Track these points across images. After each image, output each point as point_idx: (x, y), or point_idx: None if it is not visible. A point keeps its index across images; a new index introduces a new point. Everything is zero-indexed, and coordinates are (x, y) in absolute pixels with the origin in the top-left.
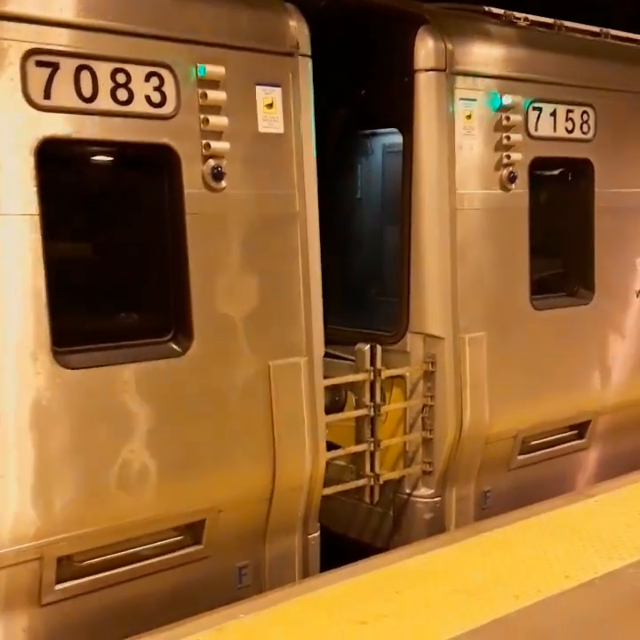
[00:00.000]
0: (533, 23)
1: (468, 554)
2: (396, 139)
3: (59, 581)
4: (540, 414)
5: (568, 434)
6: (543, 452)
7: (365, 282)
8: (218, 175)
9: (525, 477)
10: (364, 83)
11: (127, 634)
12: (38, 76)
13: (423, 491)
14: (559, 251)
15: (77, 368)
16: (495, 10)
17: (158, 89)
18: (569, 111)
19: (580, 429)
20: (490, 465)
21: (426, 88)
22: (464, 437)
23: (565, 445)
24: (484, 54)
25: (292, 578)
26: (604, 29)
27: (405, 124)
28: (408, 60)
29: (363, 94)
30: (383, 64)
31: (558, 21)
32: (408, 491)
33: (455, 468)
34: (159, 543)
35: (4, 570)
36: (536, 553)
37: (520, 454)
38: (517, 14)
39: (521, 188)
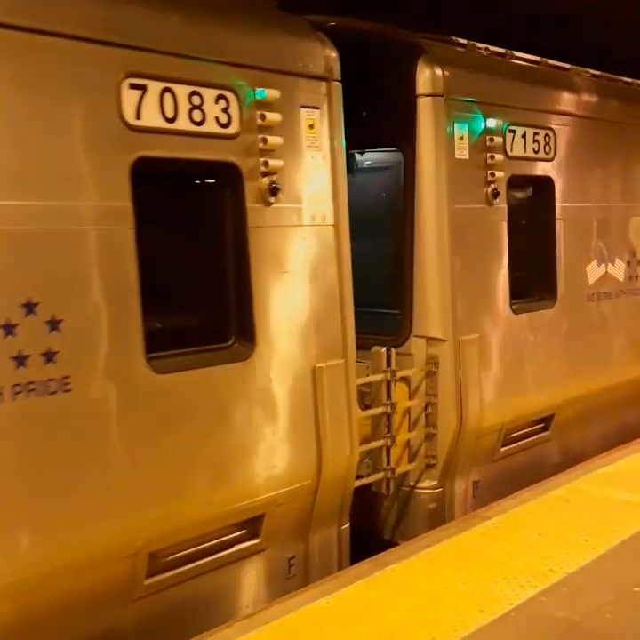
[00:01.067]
0: (492, 53)
1: (376, 591)
2: (369, 156)
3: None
4: (520, 408)
5: (536, 427)
6: (520, 443)
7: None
8: (274, 191)
9: (506, 467)
10: (365, 105)
11: (199, 627)
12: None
13: (427, 482)
14: (527, 260)
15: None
16: (461, 40)
17: (225, 111)
18: (535, 134)
19: (546, 422)
20: (479, 457)
21: (426, 112)
22: (463, 432)
23: (536, 437)
24: (473, 82)
25: (332, 566)
26: (543, 59)
27: (407, 143)
28: (410, 86)
29: (363, 116)
30: (384, 88)
31: (509, 51)
32: (412, 483)
33: (455, 460)
34: (224, 538)
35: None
36: (446, 586)
37: (502, 446)
38: (479, 45)
39: (502, 203)
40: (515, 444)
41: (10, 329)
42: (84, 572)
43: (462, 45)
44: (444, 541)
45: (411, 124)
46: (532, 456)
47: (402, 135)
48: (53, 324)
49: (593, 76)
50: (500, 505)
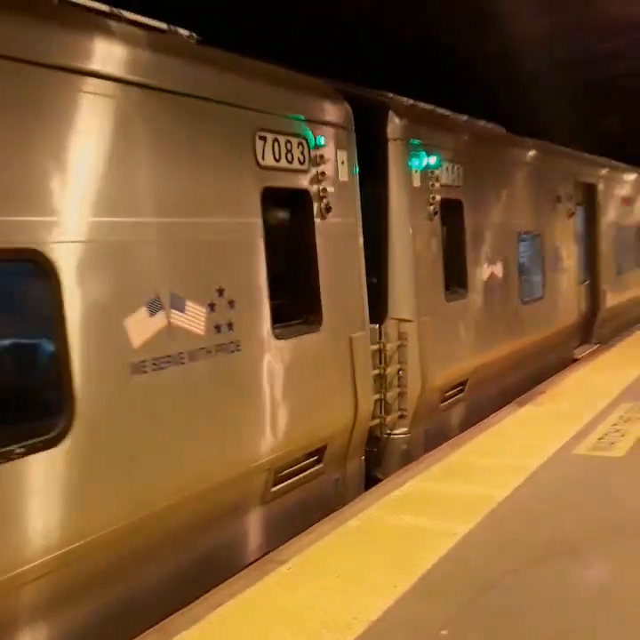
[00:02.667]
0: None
1: None
2: None
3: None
4: (452, 372)
5: (457, 388)
6: (450, 400)
7: None
8: (328, 209)
9: (442, 419)
10: None
11: (297, 526)
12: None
13: (400, 429)
14: (449, 262)
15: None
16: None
17: (302, 153)
18: (451, 167)
19: (463, 385)
20: (430, 410)
21: (393, 152)
22: (425, 390)
23: (458, 396)
24: (422, 130)
25: (360, 487)
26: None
27: (380, 175)
28: (382, 132)
29: None
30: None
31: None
32: (388, 431)
33: (418, 412)
34: (306, 462)
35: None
36: None
37: (441, 402)
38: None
39: (437, 220)
40: (447, 402)
41: (212, 307)
42: (245, 479)
43: (409, 103)
44: (237, 596)
45: (384, 160)
46: (456, 410)
47: (375, 169)
48: (231, 304)
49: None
50: (296, 544)
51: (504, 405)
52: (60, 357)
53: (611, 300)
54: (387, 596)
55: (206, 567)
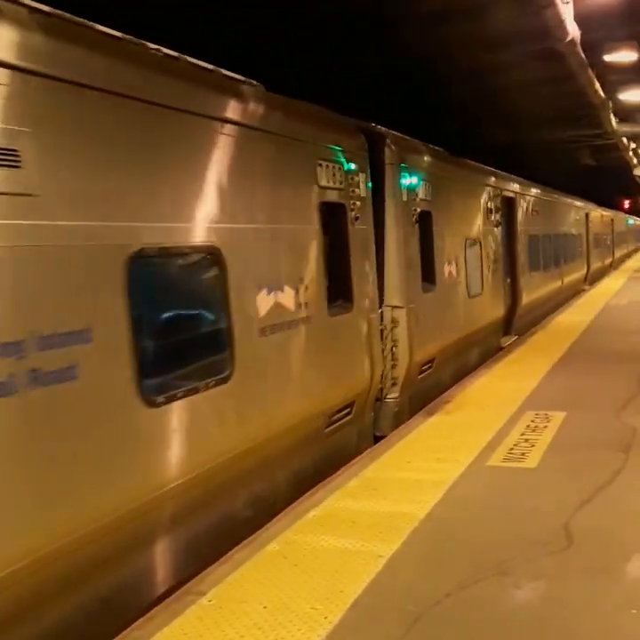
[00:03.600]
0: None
1: None
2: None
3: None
4: (427, 351)
5: (427, 365)
6: (423, 374)
7: None
8: (356, 218)
9: (419, 388)
10: None
11: (340, 461)
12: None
13: (392, 395)
14: (424, 261)
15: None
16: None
17: (339, 175)
18: (425, 186)
19: (431, 362)
20: (412, 380)
21: (389, 173)
22: (410, 364)
23: (428, 371)
24: (407, 157)
25: (370, 438)
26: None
27: (378, 192)
28: (381, 158)
29: None
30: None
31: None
32: (384, 396)
33: (405, 382)
34: (343, 412)
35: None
36: None
37: (419, 375)
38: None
39: (416, 227)
40: (422, 374)
41: (297, 291)
42: (316, 418)
43: (399, 135)
44: (156, 635)
45: (381, 180)
46: (427, 382)
47: (375, 187)
48: (306, 289)
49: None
50: (214, 573)
51: (458, 381)
52: (227, 322)
53: (525, 297)
54: (318, 628)
55: (299, 478)
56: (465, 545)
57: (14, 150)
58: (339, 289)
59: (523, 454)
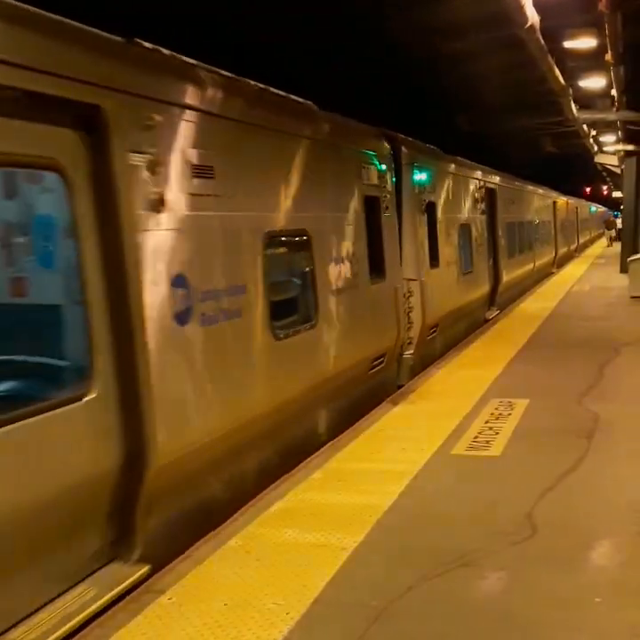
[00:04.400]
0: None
1: None
2: None
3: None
4: (434, 316)
5: (433, 329)
6: (431, 336)
7: None
8: (386, 208)
9: (427, 348)
10: None
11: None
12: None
13: (408, 352)
14: (430, 242)
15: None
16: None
17: (374, 174)
18: (430, 180)
19: (436, 328)
20: (422, 341)
21: (405, 172)
22: (423, 327)
23: (434, 334)
24: (417, 157)
25: (394, 383)
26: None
27: (396, 187)
28: (398, 159)
29: None
30: None
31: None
32: (402, 353)
33: (419, 341)
34: (379, 360)
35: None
36: None
37: (427, 337)
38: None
39: (425, 215)
40: (430, 337)
41: (352, 263)
42: (365, 362)
43: (410, 140)
44: (112, 637)
45: (400, 177)
46: (432, 344)
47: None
48: (357, 262)
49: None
50: (175, 570)
51: (453, 346)
52: (313, 287)
53: (505, 276)
54: (280, 624)
55: (353, 406)
56: (428, 536)
57: (211, 167)
58: (375, 263)
59: (487, 442)
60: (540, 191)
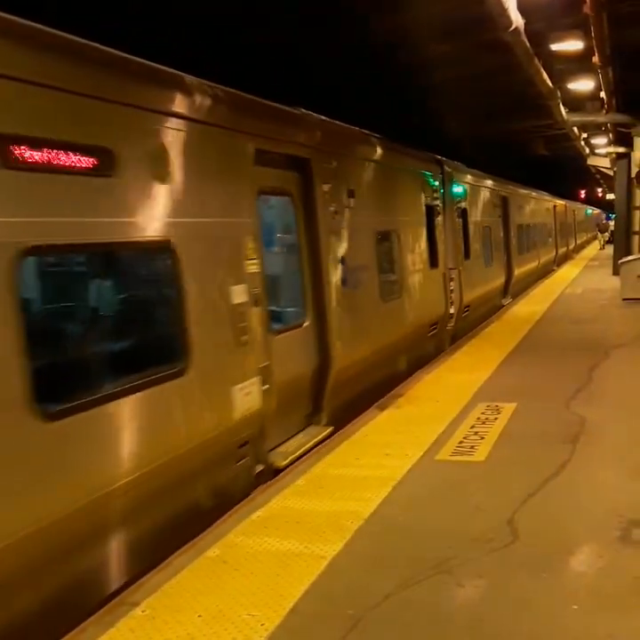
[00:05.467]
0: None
1: None
2: None
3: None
4: (468, 298)
5: (467, 308)
6: (465, 314)
7: None
8: (438, 214)
9: (463, 324)
10: None
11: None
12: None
13: (449, 325)
14: (464, 241)
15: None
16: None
17: (431, 189)
18: (463, 191)
19: (468, 308)
20: (459, 317)
21: (447, 186)
22: (460, 305)
23: (468, 312)
24: (455, 174)
25: (447, 343)
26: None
27: (443, 199)
28: (443, 175)
29: None
30: None
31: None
32: (446, 325)
33: (457, 317)
34: (432, 327)
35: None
36: None
37: (462, 314)
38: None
39: (460, 219)
40: (464, 314)
41: (420, 253)
42: (426, 326)
43: (450, 161)
44: None
45: (443, 190)
46: (466, 320)
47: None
48: (422, 252)
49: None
50: (150, 582)
51: (477, 325)
52: (400, 268)
53: (516, 270)
54: (254, 637)
55: (419, 362)
56: (408, 544)
57: (353, 190)
58: (432, 254)
59: (472, 447)
60: (542, 197)
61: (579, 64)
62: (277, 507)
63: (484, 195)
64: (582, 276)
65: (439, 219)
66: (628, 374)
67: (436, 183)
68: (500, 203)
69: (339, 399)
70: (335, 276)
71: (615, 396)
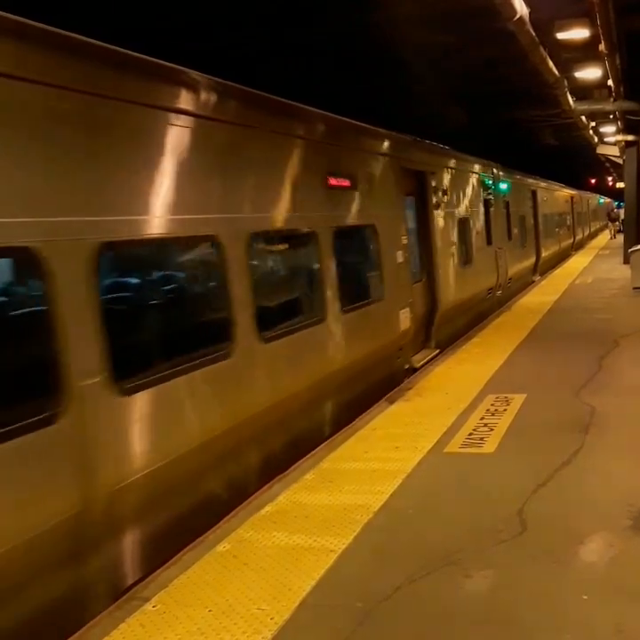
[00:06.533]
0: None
1: None
2: None
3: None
4: (511, 272)
5: (510, 280)
6: (509, 284)
7: None
8: (491, 206)
9: (509, 290)
10: None
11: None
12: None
13: (499, 292)
14: (507, 225)
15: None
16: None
17: (486, 187)
18: (506, 187)
19: (511, 279)
20: (505, 286)
21: (495, 184)
22: (506, 277)
23: (511, 283)
24: (500, 174)
25: (497, 306)
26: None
27: (493, 193)
28: (493, 176)
29: None
30: None
31: None
32: (496, 292)
33: (504, 286)
34: (490, 293)
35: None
36: None
37: (507, 284)
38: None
39: (504, 208)
40: (508, 284)
41: (479, 234)
42: (483, 292)
43: (494, 164)
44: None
45: (494, 188)
46: (508, 290)
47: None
48: (480, 233)
49: None
50: (160, 577)
51: (514, 296)
52: (470, 245)
53: (544, 253)
54: (263, 630)
55: (482, 314)
56: (417, 536)
57: (446, 190)
58: (488, 235)
59: (481, 439)
60: (562, 189)
61: (585, 52)
62: (287, 501)
63: (520, 189)
64: (593, 266)
65: (492, 209)
66: (638, 363)
67: (490, 182)
68: (530, 195)
69: (440, 333)
70: (437, 248)
71: (625, 385)
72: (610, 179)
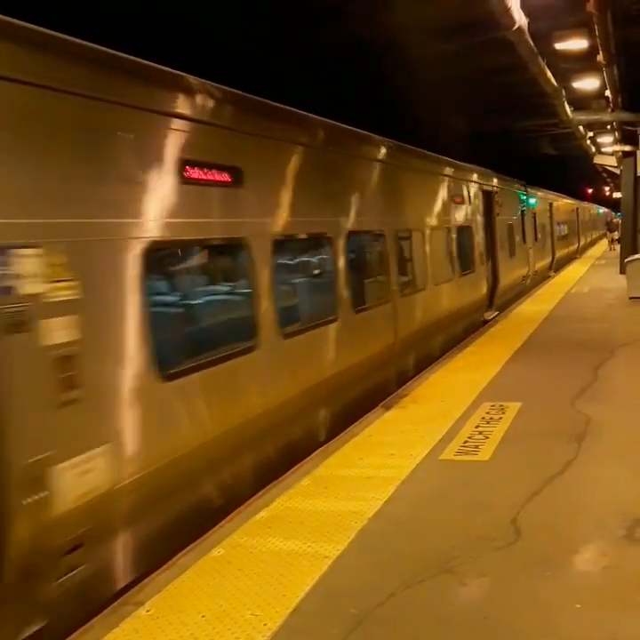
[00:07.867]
0: None
1: None
2: None
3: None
4: (536, 266)
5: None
6: (535, 275)
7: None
8: (524, 216)
9: (533, 280)
10: None
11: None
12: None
13: (528, 280)
14: (534, 230)
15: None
16: None
17: (519, 200)
18: (532, 201)
19: (526, 277)
20: (533, 276)
21: (525, 199)
22: (534, 270)
23: (536, 275)
24: (530, 191)
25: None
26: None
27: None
28: (524, 191)
29: None
30: None
31: None
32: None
33: (532, 277)
34: (524, 278)
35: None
36: None
37: (534, 276)
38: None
39: (533, 218)
40: (534, 276)
41: (520, 235)
42: (519, 283)
43: (522, 181)
44: None
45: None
46: (534, 280)
47: None
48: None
49: None
50: (155, 582)
51: (538, 284)
52: (514, 242)
53: (557, 253)
54: (256, 637)
55: (518, 295)
56: (411, 543)
57: (501, 203)
58: (523, 237)
59: (476, 447)
60: (571, 201)
61: (584, 62)
62: (281, 507)
63: (543, 203)
64: (589, 275)
65: (525, 218)
66: (633, 373)
67: (524, 197)
68: (548, 207)
69: (499, 301)
70: (497, 243)
71: (621, 394)
72: (606, 188)
